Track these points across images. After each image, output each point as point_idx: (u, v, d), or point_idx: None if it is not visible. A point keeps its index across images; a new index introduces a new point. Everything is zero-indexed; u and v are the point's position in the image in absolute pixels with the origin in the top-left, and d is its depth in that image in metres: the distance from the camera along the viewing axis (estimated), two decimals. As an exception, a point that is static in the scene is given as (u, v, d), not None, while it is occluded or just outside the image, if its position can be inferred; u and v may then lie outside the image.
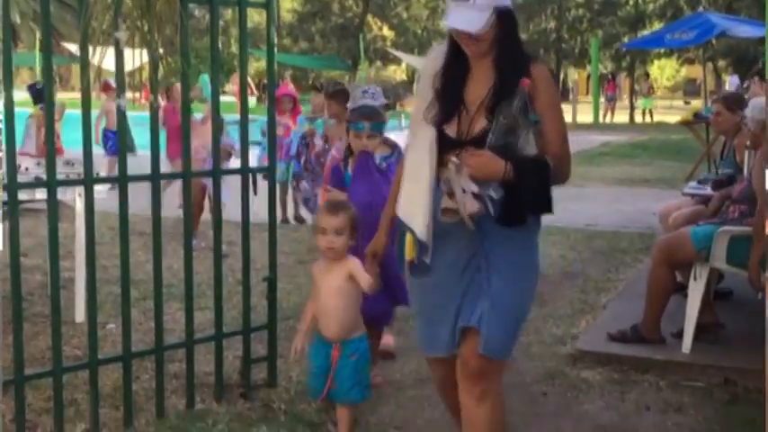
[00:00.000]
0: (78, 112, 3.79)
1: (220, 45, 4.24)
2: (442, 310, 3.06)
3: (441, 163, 2.93)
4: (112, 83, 12.45)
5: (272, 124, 4.43)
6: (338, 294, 3.60)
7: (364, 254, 3.47)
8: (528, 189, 2.80)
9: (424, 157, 2.96)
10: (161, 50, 3.92)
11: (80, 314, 5.40)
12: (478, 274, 2.99)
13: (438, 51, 3.08)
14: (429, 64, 3.06)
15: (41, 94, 11.87)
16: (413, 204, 2.99)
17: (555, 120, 2.93)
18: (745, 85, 23.13)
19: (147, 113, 4.00)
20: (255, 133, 8.60)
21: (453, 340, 3.06)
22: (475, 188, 2.77)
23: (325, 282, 3.65)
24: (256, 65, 36.42)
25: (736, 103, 6.43)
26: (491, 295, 2.95)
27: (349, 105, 4.89)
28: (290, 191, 9.47)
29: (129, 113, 4.02)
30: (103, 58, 3.77)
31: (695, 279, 4.85)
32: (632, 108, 35.83)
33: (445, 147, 2.93)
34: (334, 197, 4.20)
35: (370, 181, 4.26)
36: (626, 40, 34.42)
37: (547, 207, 2.88)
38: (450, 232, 2.93)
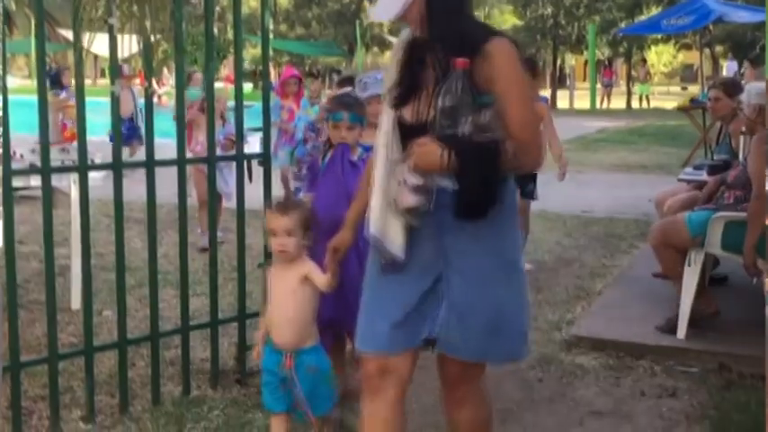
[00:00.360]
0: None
1: (216, 31, 4.23)
2: (391, 305, 2.74)
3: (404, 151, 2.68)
4: (125, 70, 12.47)
5: (266, 110, 4.42)
6: (291, 298, 3.36)
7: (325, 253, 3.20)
8: (471, 178, 2.52)
9: (383, 145, 2.73)
10: (155, 37, 3.91)
11: (76, 301, 5.41)
12: (439, 274, 2.71)
13: (406, 32, 2.84)
14: (398, 44, 2.82)
15: (58, 79, 11.90)
16: (381, 209, 2.69)
17: (516, 102, 2.59)
18: (741, 71, 23.11)
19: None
20: (256, 119, 8.52)
21: (396, 339, 2.74)
22: (414, 179, 2.56)
23: (278, 286, 3.42)
24: (253, 51, 36.31)
25: (734, 88, 6.43)
26: (452, 299, 2.68)
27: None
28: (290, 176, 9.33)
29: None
30: (91, 44, 3.76)
31: (690, 265, 4.86)
32: (629, 94, 35.82)
33: (405, 134, 2.68)
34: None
35: (339, 176, 3.94)
36: (623, 25, 34.30)
37: (494, 198, 2.57)
38: (417, 229, 2.68)
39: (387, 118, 2.72)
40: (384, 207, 2.66)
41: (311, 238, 3.39)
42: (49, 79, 11.78)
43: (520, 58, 2.64)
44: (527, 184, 6.28)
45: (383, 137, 2.72)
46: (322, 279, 3.29)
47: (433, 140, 2.52)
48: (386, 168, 2.67)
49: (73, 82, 16.09)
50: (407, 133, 2.66)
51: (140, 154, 11.81)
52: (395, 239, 2.67)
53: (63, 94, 11.80)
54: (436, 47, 2.62)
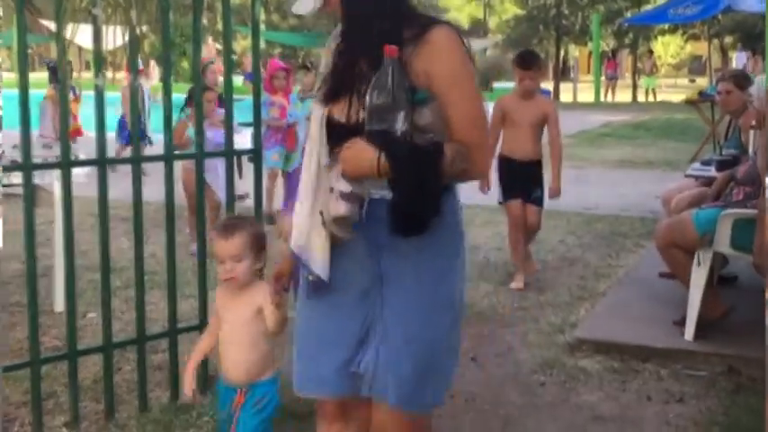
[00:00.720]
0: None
1: (205, 22, 4.22)
2: (333, 340, 2.51)
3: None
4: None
5: (257, 105, 4.42)
6: (244, 331, 3.11)
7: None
8: (407, 185, 2.24)
9: (311, 148, 2.49)
10: (142, 28, 3.90)
11: (59, 303, 5.40)
12: (372, 301, 2.47)
13: None
14: (334, 33, 2.59)
15: (58, 72, 11.84)
16: (305, 222, 2.47)
17: (461, 99, 2.35)
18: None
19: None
20: (247, 114, 8.44)
21: (341, 381, 2.50)
22: (343, 187, 2.33)
23: (229, 313, 3.17)
24: (243, 43, 36.24)
25: (744, 80, 6.43)
26: (389, 332, 2.44)
27: None
28: (279, 180, 8.83)
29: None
30: (74, 36, 3.76)
31: (698, 264, 4.86)
32: (635, 87, 35.85)
33: (337, 136, 2.42)
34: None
35: None
36: (629, 15, 34.33)
37: (435, 208, 2.31)
38: (345, 243, 2.43)
39: (315, 118, 2.49)
40: (309, 219, 2.45)
41: (266, 259, 3.14)
42: (49, 72, 11.77)
43: (466, 48, 2.40)
44: (534, 190, 6.26)
45: (310, 139, 2.49)
46: (271, 317, 3.02)
47: (364, 142, 2.27)
48: (313, 175, 2.45)
49: (75, 75, 15.98)
50: (339, 135, 2.40)
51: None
52: (318, 256, 2.45)
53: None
54: (366, 38, 2.38)
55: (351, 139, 2.30)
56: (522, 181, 6.26)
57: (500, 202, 6.42)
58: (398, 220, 2.30)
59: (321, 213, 2.40)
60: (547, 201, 6.31)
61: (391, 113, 2.25)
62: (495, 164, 6.11)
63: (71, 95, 11.36)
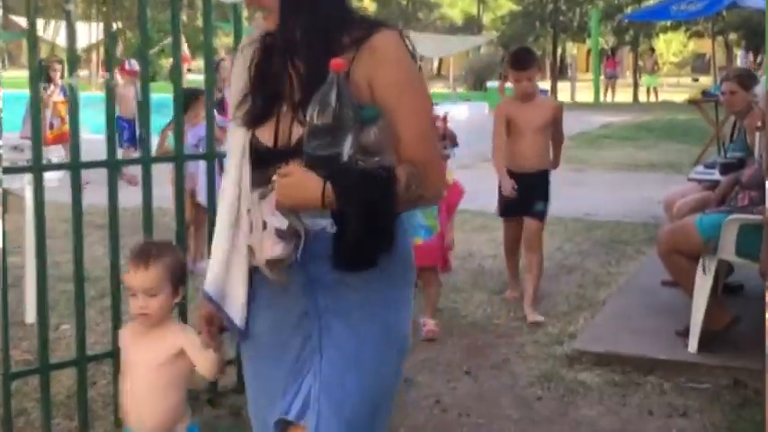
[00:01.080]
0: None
1: (185, 18, 4.22)
2: (265, 395, 2.36)
3: (260, 184, 2.23)
4: (129, 65, 12.28)
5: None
6: (156, 376, 2.86)
7: None
8: (357, 217, 2.06)
9: (231, 177, 2.27)
10: (118, 24, 3.90)
11: (30, 314, 5.38)
12: (310, 343, 2.27)
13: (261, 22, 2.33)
14: (246, 42, 2.36)
15: (46, 73, 11.75)
16: (223, 261, 2.29)
17: (411, 113, 2.17)
18: (759, 60, 23.23)
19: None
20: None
21: None
22: (279, 222, 2.13)
23: (139, 355, 2.91)
24: (226, 40, 36.24)
25: (749, 80, 6.46)
26: (323, 379, 2.24)
27: None
28: None
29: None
30: (56, 35, 3.76)
31: (702, 273, 4.87)
32: (636, 86, 35.96)
33: (264, 161, 2.22)
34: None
35: None
36: (629, 11, 34.44)
37: (389, 240, 2.14)
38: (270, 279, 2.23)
39: (236, 142, 2.26)
40: (227, 258, 2.26)
41: (183, 292, 2.90)
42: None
43: (413, 55, 2.23)
44: (536, 203, 5.88)
45: (230, 168, 2.27)
46: (206, 363, 2.77)
47: (303, 168, 2.07)
48: (232, 208, 2.25)
49: (66, 77, 16.02)
50: (266, 160, 2.20)
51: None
52: (236, 301, 2.28)
53: (52, 89, 11.64)
54: (299, 43, 2.18)
55: (284, 166, 2.10)
56: (525, 195, 5.84)
57: (498, 215, 6.26)
58: (345, 256, 2.12)
59: (250, 249, 2.20)
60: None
61: (337, 136, 2.04)
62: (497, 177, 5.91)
63: (61, 96, 11.32)
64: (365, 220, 2.06)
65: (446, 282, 6.19)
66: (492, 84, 26.58)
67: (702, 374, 4.69)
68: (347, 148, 2.05)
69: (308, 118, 2.07)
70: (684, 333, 4.96)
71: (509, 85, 7.73)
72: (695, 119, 16.81)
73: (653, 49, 37.75)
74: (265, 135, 2.23)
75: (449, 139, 6.18)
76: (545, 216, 5.97)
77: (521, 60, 5.88)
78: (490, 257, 7.29)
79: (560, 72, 43.20)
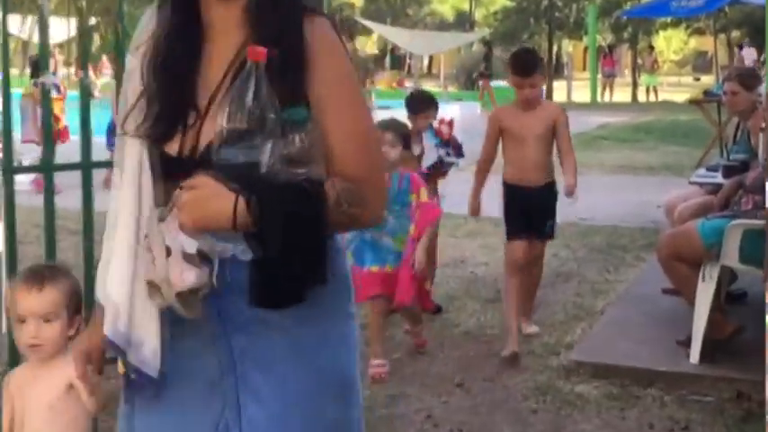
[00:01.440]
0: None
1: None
2: None
3: (164, 203, 1.92)
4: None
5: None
6: (49, 416, 2.58)
7: None
8: (277, 241, 1.77)
9: (127, 197, 1.95)
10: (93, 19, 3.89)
11: (2, 323, 5.35)
12: (225, 399, 1.95)
13: (149, 15, 2.06)
14: (139, 35, 2.06)
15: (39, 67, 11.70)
16: (125, 294, 1.93)
17: (346, 116, 1.91)
18: (762, 59, 23.31)
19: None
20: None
21: None
22: (187, 245, 1.81)
23: (31, 391, 2.62)
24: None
25: (753, 79, 6.48)
26: None
27: None
28: None
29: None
30: (32, 33, 3.74)
31: (704, 280, 4.88)
32: (635, 85, 36.05)
33: (168, 173, 1.93)
34: None
35: None
36: (627, 7, 34.55)
37: (318, 270, 1.84)
38: (180, 320, 1.88)
39: (131, 154, 1.96)
40: (131, 291, 1.92)
41: (79, 322, 2.64)
42: (31, 67, 11.67)
43: (346, 47, 1.99)
44: (546, 222, 5.51)
45: (127, 184, 1.95)
46: (88, 401, 2.52)
47: (213, 180, 1.79)
48: (131, 232, 1.93)
49: (61, 72, 15.89)
50: (171, 172, 1.91)
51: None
52: (147, 345, 1.92)
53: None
54: (210, 32, 1.97)
55: (191, 178, 1.81)
56: (532, 213, 5.44)
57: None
58: (264, 290, 1.82)
59: (150, 284, 1.85)
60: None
61: (253, 142, 1.79)
62: (500, 190, 5.53)
63: (55, 93, 11.27)
64: (288, 245, 1.78)
65: (437, 289, 6.20)
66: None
67: (705, 387, 4.69)
68: (266, 157, 1.79)
69: (219, 120, 1.81)
70: (686, 343, 4.97)
71: (497, 84, 7.60)
72: (697, 120, 16.87)
73: (652, 47, 37.85)
74: (168, 143, 1.94)
75: (453, 147, 6.16)
76: (553, 234, 5.67)
77: (523, 65, 5.43)
78: (483, 264, 7.29)
79: (556, 71, 43.24)
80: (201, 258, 1.82)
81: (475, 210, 5.70)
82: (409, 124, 5.94)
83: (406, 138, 5.17)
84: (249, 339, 1.93)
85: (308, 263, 1.82)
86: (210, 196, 1.77)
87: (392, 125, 5.11)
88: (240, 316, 1.91)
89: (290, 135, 1.81)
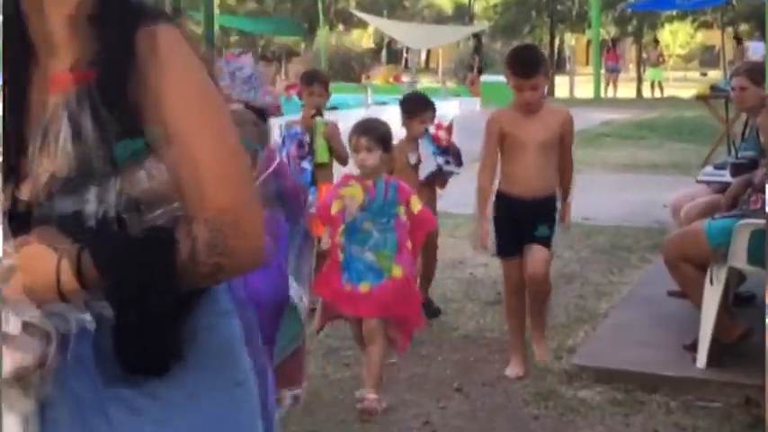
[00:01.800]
0: None
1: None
2: None
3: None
4: None
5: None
6: None
7: None
8: (122, 305, 1.55)
9: None
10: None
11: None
12: None
13: None
14: None
15: None
16: None
17: (200, 138, 1.63)
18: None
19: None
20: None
21: None
22: (17, 316, 1.55)
23: None
24: (198, 30, 36.22)
25: (761, 74, 6.48)
26: None
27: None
28: None
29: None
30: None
31: (711, 282, 4.88)
32: (639, 80, 36.10)
33: (17, 224, 1.64)
34: None
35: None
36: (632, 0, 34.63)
37: (171, 341, 1.61)
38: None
39: None
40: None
41: None
42: None
43: (198, 57, 1.71)
44: (538, 227, 5.00)
45: None
46: None
47: (49, 235, 1.58)
48: None
49: None
50: (21, 222, 1.64)
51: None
52: None
53: None
54: (38, 54, 1.70)
55: (21, 236, 1.59)
56: (525, 223, 5.04)
57: (494, 255, 5.29)
58: (128, 357, 1.60)
59: None
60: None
61: (77, 187, 1.57)
62: (492, 203, 5.14)
63: None
64: (132, 311, 1.55)
65: (435, 291, 6.21)
66: (486, 78, 26.65)
67: (712, 392, 4.70)
68: (92, 205, 1.57)
69: (45, 164, 1.58)
70: (692, 347, 4.98)
71: (487, 78, 7.38)
72: (703, 116, 16.86)
73: (657, 41, 37.85)
74: (23, 186, 1.66)
75: (453, 155, 5.96)
76: (550, 242, 5.05)
77: (523, 64, 4.96)
78: (482, 266, 7.28)
79: (558, 65, 43.29)
80: (36, 334, 1.56)
81: (483, 239, 5.17)
82: (404, 130, 5.88)
83: (385, 139, 4.63)
84: (103, 423, 1.66)
85: (160, 330, 1.58)
86: (39, 257, 1.55)
87: (365, 128, 4.64)
88: (90, 396, 1.65)
89: (129, 173, 1.58)
